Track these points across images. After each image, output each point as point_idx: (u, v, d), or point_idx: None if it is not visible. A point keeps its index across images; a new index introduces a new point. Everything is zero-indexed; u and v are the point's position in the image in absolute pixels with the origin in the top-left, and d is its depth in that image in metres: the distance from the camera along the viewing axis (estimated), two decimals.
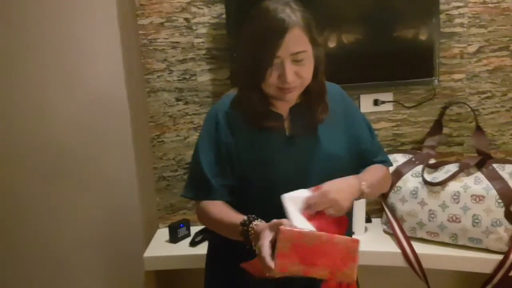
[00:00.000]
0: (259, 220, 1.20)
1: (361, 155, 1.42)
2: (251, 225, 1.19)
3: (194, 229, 2.00)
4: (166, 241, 1.99)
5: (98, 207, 2.13)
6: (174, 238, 1.97)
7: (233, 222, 1.24)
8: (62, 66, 2.01)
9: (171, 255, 1.91)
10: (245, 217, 1.21)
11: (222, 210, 1.32)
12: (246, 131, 1.33)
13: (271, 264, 1.06)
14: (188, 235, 2.01)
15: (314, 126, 1.35)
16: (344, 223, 1.29)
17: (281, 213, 1.20)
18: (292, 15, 1.21)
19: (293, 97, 1.30)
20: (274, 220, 1.13)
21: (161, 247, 1.96)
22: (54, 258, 2.13)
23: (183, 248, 1.94)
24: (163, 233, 2.05)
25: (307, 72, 1.25)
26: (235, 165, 1.33)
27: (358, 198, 1.32)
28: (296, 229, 1.08)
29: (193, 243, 1.93)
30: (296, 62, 1.22)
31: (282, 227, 1.08)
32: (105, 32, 1.99)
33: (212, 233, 1.51)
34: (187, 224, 2.01)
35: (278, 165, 1.30)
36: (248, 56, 1.25)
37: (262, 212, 1.25)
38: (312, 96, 1.33)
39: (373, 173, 1.40)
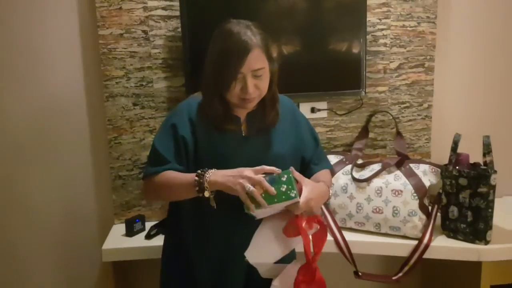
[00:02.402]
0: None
1: (304, 160, 1.59)
2: (206, 174, 1.35)
3: (149, 224, 2.05)
4: (123, 235, 2.03)
5: (56, 204, 2.17)
6: (130, 232, 2.02)
7: (186, 176, 1.38)
8: (20, 71, 2.05)
9: (128, 247, 1.95)
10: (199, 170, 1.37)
11: (174, 173, 1.43)
12: (207, 132, 1.46)
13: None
14: (143, 229, 2.06)
15: (266, 129, 1.50)
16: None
17: (236, 206, 1.36)
18: (253, 37, 1.36)
19: (252, 106, 1.45)
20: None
21: (118, 240, 2.00)
22: (11, 249, 2.16)
23: (139, 241, 1.99)
24: (119, 228, 2.09)
25: (264, 84, 1.41)
26: (190, 159, 1.46)
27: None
28: None
29: (148, 236, 1.99)
30: (255, 77, 1.38)
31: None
32: (67, 41, 2.05)
33: (168, 225, 1.64)
34: (142, 219, 2.07)
35: (233, 161, 1.42)
36: (215, 71, 1.39)
37: (217, 206, 1.40)
38: (266, 104, 1.48)
39: (328, 180, 1.58)
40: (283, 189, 1.33)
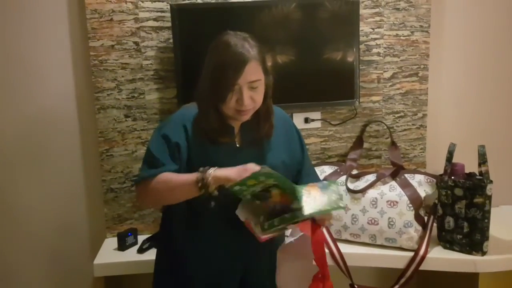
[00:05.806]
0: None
1: (294, 170, 1.60)
2: (209, 171, 1.33)
3: (141, 238, 2.04)
4: (115, 249, 2.02)
5: (47, 217, 2.15)
6: (122, 246, 2.00)
7: (187, 175, 1.37)
8: (11, 84, 2.04)
9: (120, 261, 1.94)
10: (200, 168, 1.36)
11: (172, 174, 1.41)
12: (200, 143, 1.45)
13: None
14: (136, 243, 2.04)
15: (260, 141, 1.51)
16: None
17: (227, 216, 1.37)
18: (250, 50, 1.36)
19: (246, 118, 1.45)
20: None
21: (110, 255, 1.98)
22: (1, 262, 2.14)
23: (131, 255, 1.98)
24: (111, 242, 2.07)
25: (260, 97, 1.42)
26: (182, 165, 1.44)
27: None
28: None
29: (140, 250, 1.97)
30: (251, 89, 1.38)
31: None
32: (57, 53, 2.05)
33: (161, 239, 1.63)
34: (134, 232, 2.06)
35: None
36: (212, 83, 1.39)
37: (209, 214, 1.41)
38: (260, 116, 1.49)
39: None
40: (334, 198, 1.38)
